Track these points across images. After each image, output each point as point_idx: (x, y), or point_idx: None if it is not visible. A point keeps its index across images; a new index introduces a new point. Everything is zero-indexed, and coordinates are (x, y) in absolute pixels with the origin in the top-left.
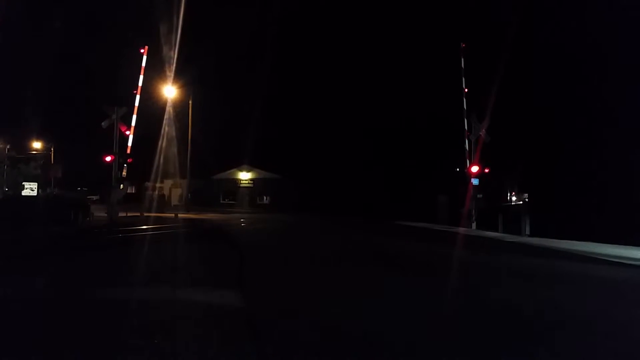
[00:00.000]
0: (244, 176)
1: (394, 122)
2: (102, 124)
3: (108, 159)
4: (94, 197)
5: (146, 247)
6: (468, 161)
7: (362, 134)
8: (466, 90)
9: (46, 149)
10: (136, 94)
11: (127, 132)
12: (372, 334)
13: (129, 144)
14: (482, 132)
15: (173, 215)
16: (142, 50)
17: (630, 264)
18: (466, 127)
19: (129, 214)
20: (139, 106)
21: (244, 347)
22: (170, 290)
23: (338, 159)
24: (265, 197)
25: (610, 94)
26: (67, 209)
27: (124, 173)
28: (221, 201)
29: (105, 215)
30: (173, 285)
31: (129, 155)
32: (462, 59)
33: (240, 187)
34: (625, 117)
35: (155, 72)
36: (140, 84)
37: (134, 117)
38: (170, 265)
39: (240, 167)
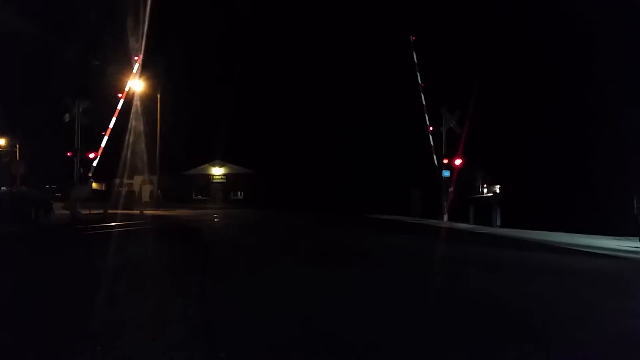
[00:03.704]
0: (217, 171)
1: (367, 117)
2: (64, 117)
3: (91, 155)
4: (59, 195)
5: (96, 247)
6: (435, 156)
7: (335, 129)
8: (422, 85)
9: (11, 146)
10: (121, 97)
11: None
12: (331, 334)
13: (102, 144)
14: (453, 124)
15: (139, 212)
16: (135, 58)
17: (602, 254)
18: (427, 122)
19: (92, 212)
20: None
21: (198, 351)
22: (123, 294)
23: (312, 153)
24: (239, 193)
25: (580, 86)
26: (28, 207)
27: (90, 173)
28: (193, 197)
29: (68, 213)
30: (125, 290)
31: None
32: (414, 53)
33: (212, 182)
34: (595, 110)
35: (122, 64)
36: (127, 89)
37: (114, 119)
38: (124, 267)
39: (212, 162)
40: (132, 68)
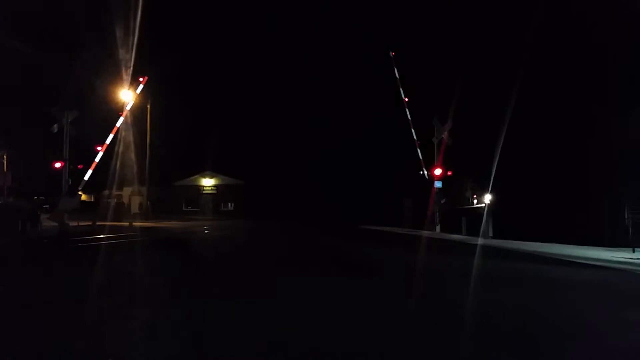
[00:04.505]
0: (207, 182)
1: (358, 128)
2: (52, 128)
3: (57, 165)
4: (47, 206)
5: (84, 260)
6: (424, 169)
7: (327, 139)
8: (406, 100)
9: None
10: (121, 115)
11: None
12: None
13: (97, 159)
14: (445, 135)
15: (127, 224)
16: (140, 79)
17: (596, 265)
18: (414, 137)
19: (80, 224)
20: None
21: None
22: (110, 310)
23: (303, 163)
24: (229, 204)
25: (573, 95)
26: (14, 219)
27: (80, 187)
28: (183, 208)
29: (56, 225)
30: (113, 306)
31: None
32: (395, 69)
33: (203, 193)
34: (586, 120)
35: (113, 75)
36: (128, 107)
37: (111, 135)
38: (112, 281)
39: (202, 173)
40: (134, 86)
